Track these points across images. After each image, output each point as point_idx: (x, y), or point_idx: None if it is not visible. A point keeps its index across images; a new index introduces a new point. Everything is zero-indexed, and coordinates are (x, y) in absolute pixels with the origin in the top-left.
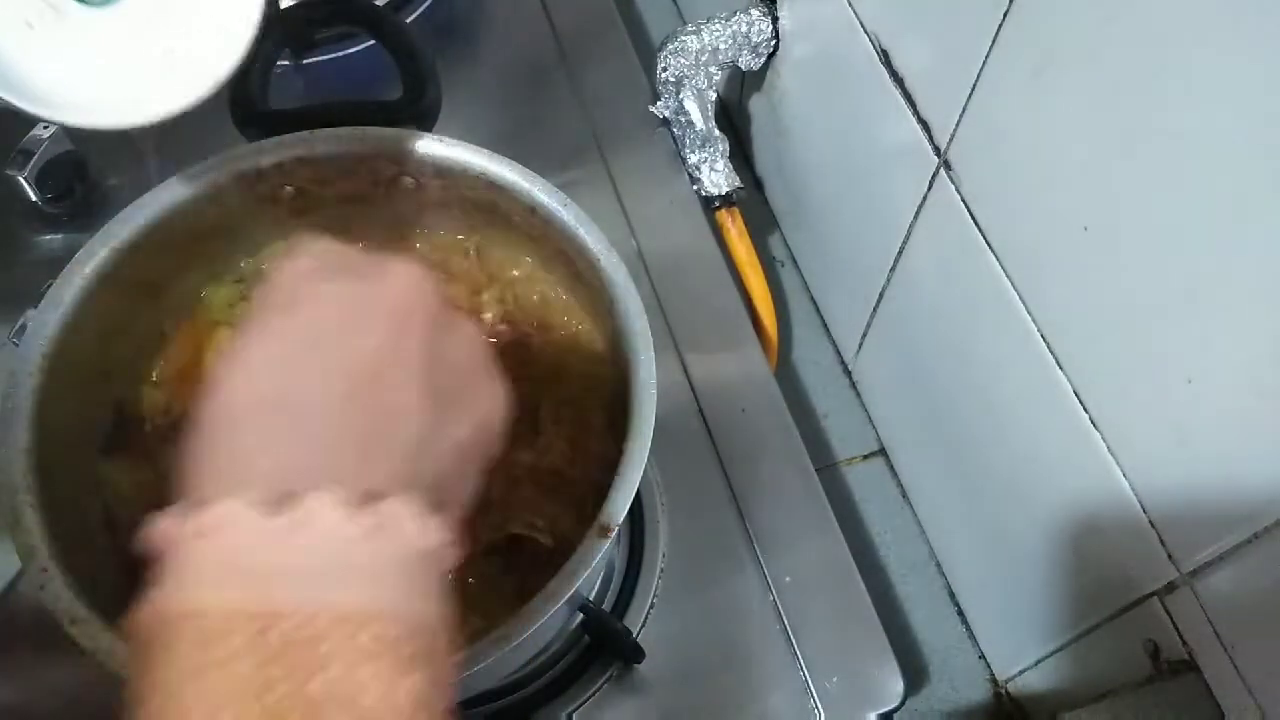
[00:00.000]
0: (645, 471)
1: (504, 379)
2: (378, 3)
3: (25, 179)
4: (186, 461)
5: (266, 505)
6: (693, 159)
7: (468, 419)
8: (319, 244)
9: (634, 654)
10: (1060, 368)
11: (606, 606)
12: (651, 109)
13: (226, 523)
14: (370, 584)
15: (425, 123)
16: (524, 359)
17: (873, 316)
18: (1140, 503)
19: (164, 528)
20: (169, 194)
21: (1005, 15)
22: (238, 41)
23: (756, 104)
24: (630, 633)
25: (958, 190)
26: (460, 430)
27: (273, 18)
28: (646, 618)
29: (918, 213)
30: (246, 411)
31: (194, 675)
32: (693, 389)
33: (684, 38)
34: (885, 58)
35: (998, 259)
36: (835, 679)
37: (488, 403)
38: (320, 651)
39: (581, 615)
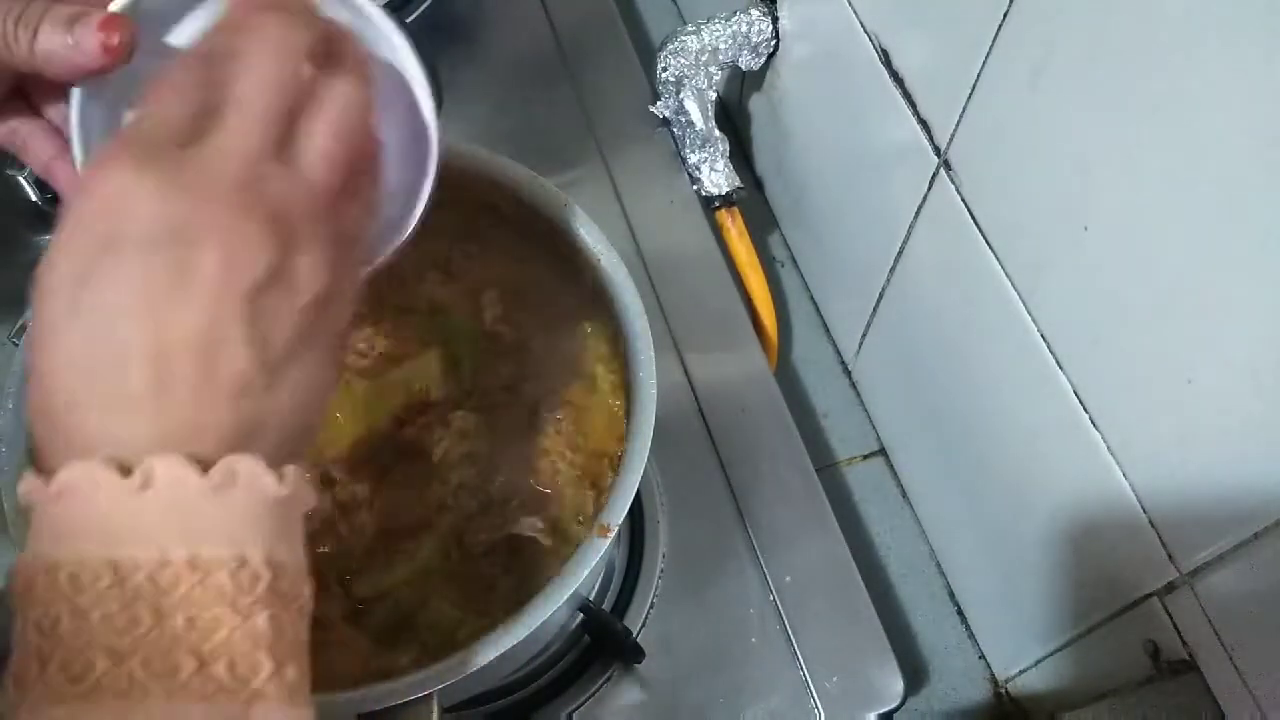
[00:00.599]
0: (645, 471)
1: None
2: (378, 3)
3: (25, 179)
4: (37, 417)
5: (119, 465)
6: (693, 159)
7: (308, 359)
8: (121, 168)
9: (634, 654)
10: (1060, 368)
11: (606, 606)
12: (651, 109)
13: (82, 484)
14: (220, 533)
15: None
16: (524, 359)
17: (873, 316)
18: (1140, 503)
19: (27, 489)
20: None
21: (1005, 15)
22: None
23: (756, 104)
24: (630, 633)
25: (958, 190)
26: (303, 375)
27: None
28: (646, 618)
29: (918, 213)
30: (80, 368)
31: (58, 621)
32: (693, 389)
33: (684, 38)
34: (885, 58)
35: (998, 259)
36: (835, 679)
37: (328, 333)
38: (175, 595)
39: (581, 615)
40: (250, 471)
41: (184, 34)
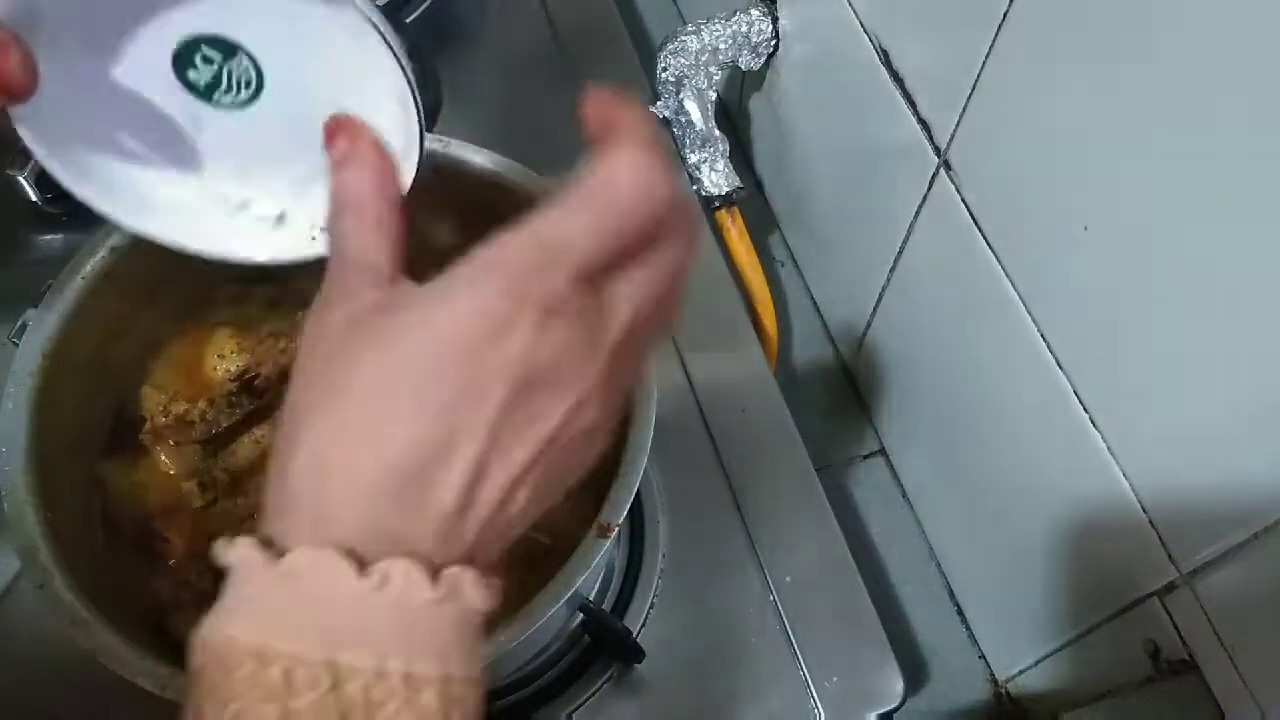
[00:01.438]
0: (645, 471)
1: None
2: (378, 3)
3: (25, 179)
4: (278, 482)
5: (355, 561)
6: (693, 159)
7: (558, 488)
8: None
9: (634, 654)
10: (1060, 368)
11: (606, 606)
12: (651, 109)
13: (315, 571)
14: (434, 646)
15: (425, 123)
16: None
17: (873, 316)
18: (1140, 503)
19: (245, 554)
20: None
21: (1005, 15)
22: None
23: (756, 104)
24: (630, 633)
25: (958, 190)
26: (544, 503)
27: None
28: (646, 618)
29: (918, 213)
30: (356, 456)
31: (264, 715)
32: (693, 389)
33: (684, 38)
34: (885, 58)
35: (998, 259)
36: (835, 679)
37: (583, 466)
38: (387, 710)
39: (581, 615)
40: (469, 585)
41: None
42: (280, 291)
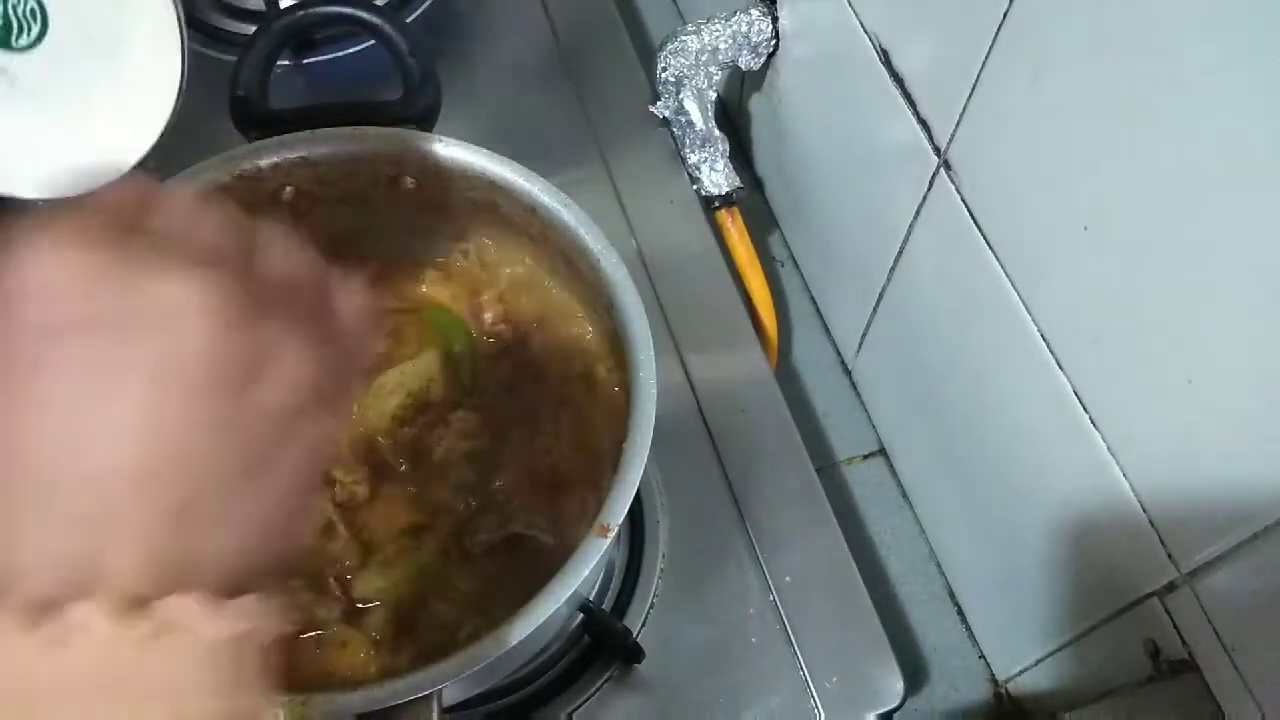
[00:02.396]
0: (645, 471)
1: (337, 399)
2: (378, 3)
3: None
4: None
5: (27, 615)
6: (693, 159)
7: (279, 472)
8: (62, 247)
9: (634, 654)
10: (1060, 368)
11: (606, 606)
12: (651, 109)
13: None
14: (148, 694)
15: (425, 123)
16: (524, 359)
17: (873, 316)
18: (1140, 503)
19: None
20: None
21: (1005, 15)
22: (148, 129)
23: (756, 104)
24: (630, 633)
25: (958, 190)
26: (268, 491)
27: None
28: (646, 618)
29: (918, 213)
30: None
31: None
32: (693, 389)
33: (684, 38)
34: (885, 58)
35: (998, 259)
36: (835, 679)
37: (302, 449)
38: None
39: (581, 615)
40: (183, 614)
41: None
42: None
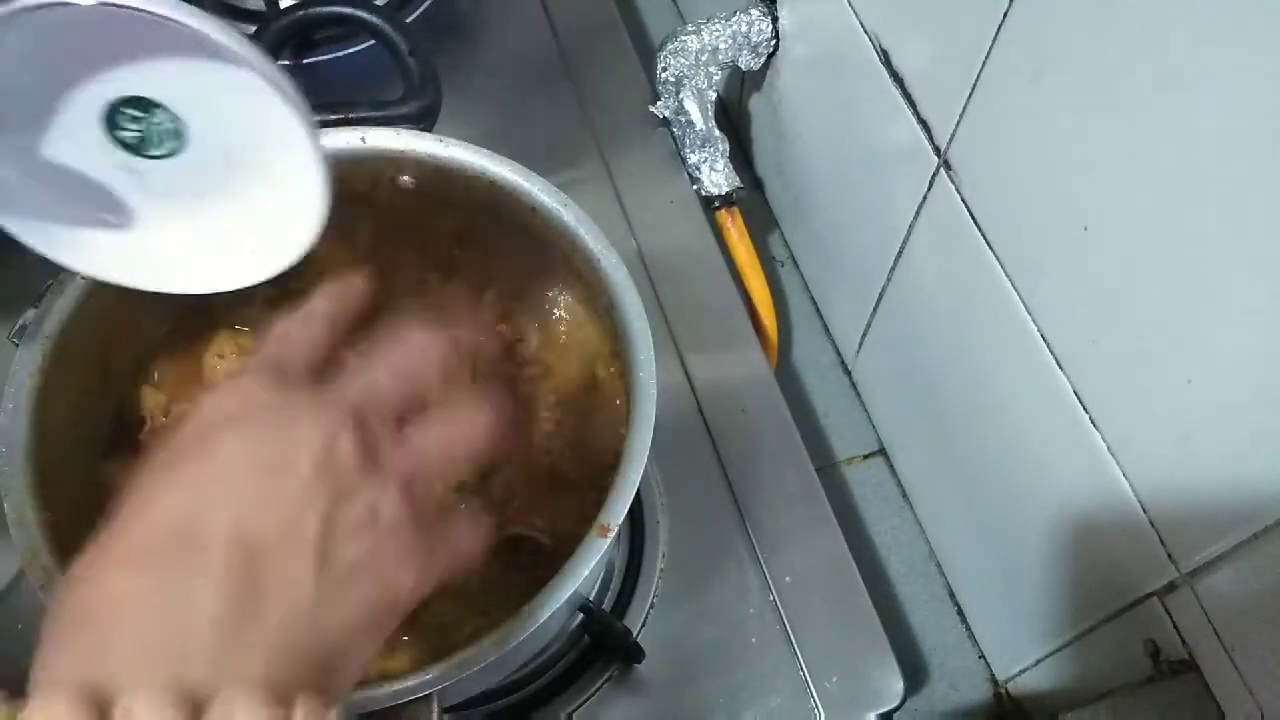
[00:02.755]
0: (645, 471)
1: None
2: (378, 3)
3: None
4: (58, 611)
5: (86, 706)
6: (693, 159)
7: (367, 592)
8: (238, 383)
9: (634, 654)
10: (1060, 368)
11: (606, 606)
12: (651, 109)
13: None
14: None
15: (425, 123)
16: (523, 359)
17: (873, 316)
18: (1140, 503)
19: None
20: None
21: (1005, 15)
22: (297, 240)
23: (756, 104)
24: (630, 633)
25: (958, 190)
26: (352, 608)
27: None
28: (646, 618)
29: (918, 213)
30: (120, 572)
31: None
32: (693, 389)
33: (684, 38)
34: (885, 58)
35: (998, 259)
36: (835, 679)
37: (401, 571)
38: None
39: (581, 615)
40: (248, 713)
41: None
42: (280, 292)
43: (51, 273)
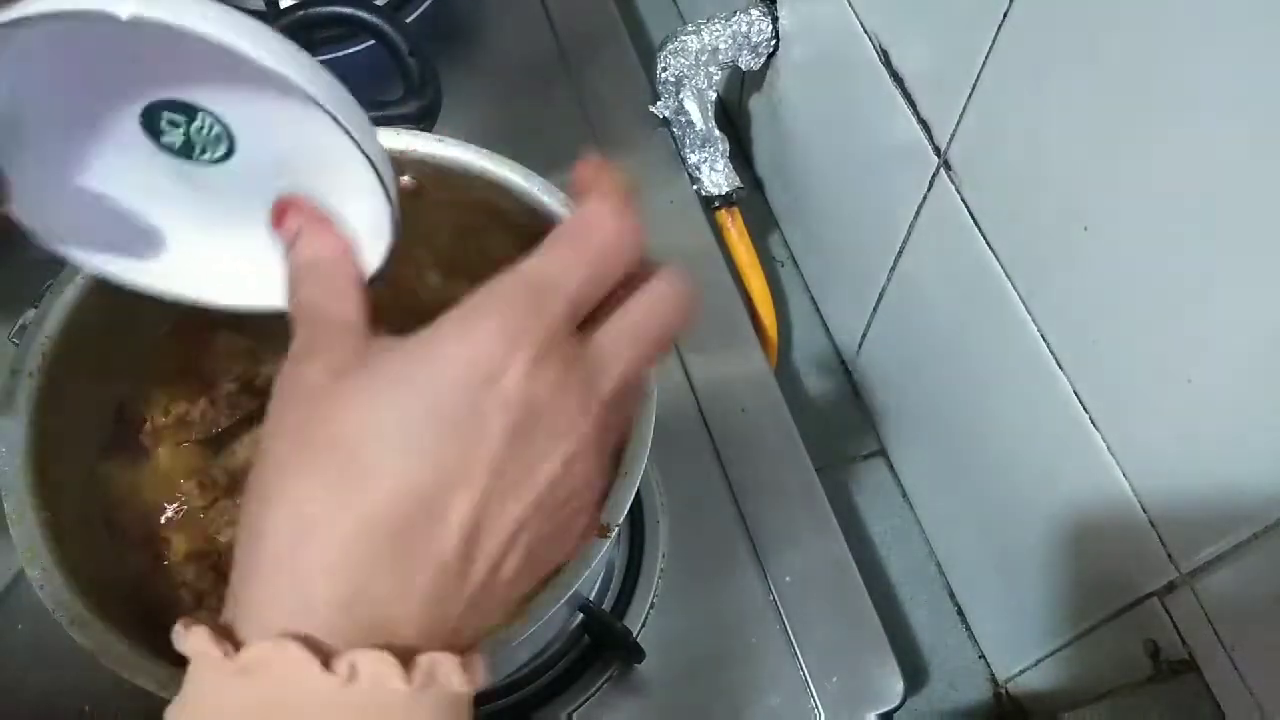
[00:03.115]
0: (645, 471)
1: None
2: (378, 3)
3: None
4: (252, 545)
5: (319, 654)
6: (693, 159)
7: (543, 566)
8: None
9: (634, 654)
10: (1060, 368)
11: (606, 606)
12: (651, 109)
13: (274, 667)
14: None
15: (425, 123)
16: None
17: (873, 316)
18: (1140, 503)
19: (200, 647)
20: None
21: (1005, 15)
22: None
23: (756, 104)
24: (630, 633)
25: (958, 190)
26: (530, 577)
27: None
28: (646, 618)
29: (918, 213)
30: (340, 511)
31: None
32: (693, 389)
33: (684, 38)
34: (885, 58)
35: (998, 259)
36: (835, 679)
37: (573, 537)
38: None
39: (581, 615)
40: (448, 671)
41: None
42: None
43: (52, 273)
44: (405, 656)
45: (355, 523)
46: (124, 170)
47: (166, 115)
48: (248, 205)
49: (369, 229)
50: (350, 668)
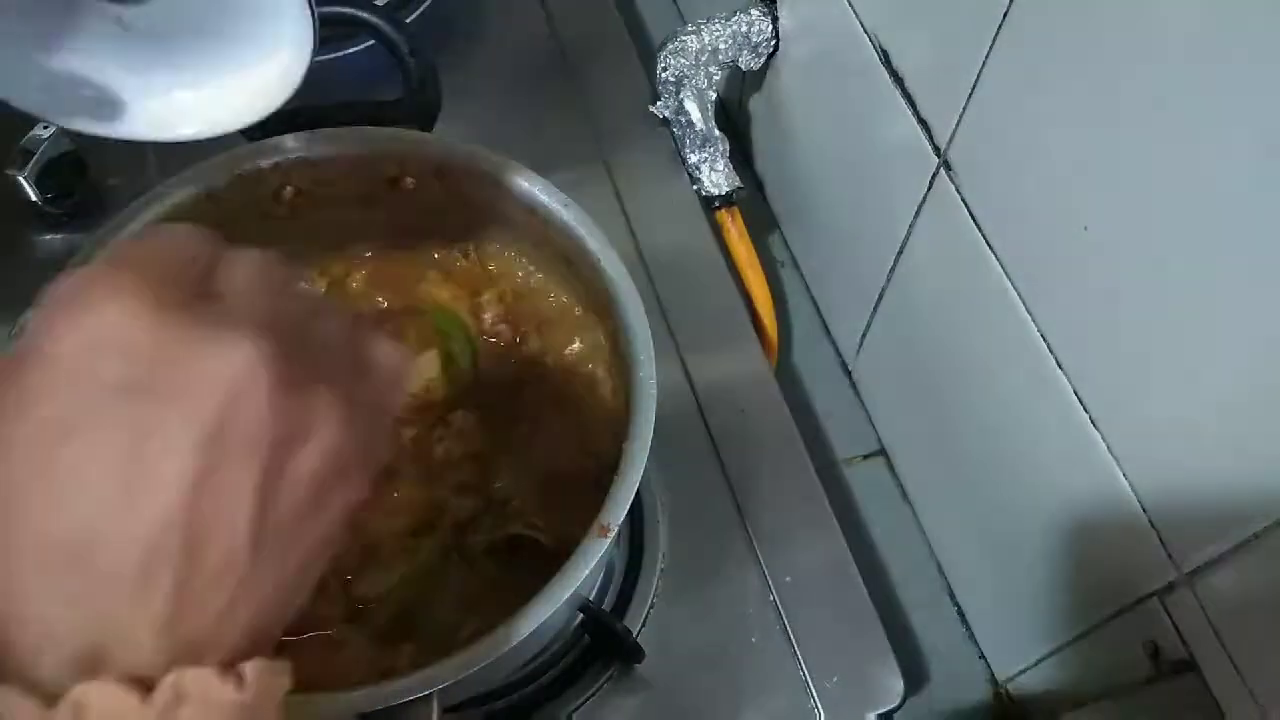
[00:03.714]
0: (645, 471)
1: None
2: (378, 3)
3: (25, 179)
4: None
5: (44, 694)
6: (693, 159)
7: (305, 540)
8: (118, 300)
9: (634, 654)
10: (1060, 367)
11: (606, 606)
12: (651, 109)
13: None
14: None
15: (425, 123)
16: (524, 359)
17: (873, 316)
18: (1140, 503)
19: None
20: (169, 194)
21: (1005, 15)
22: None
23: (756, 104)
24: (630, 633)
25: (958, 190)
26: (292, 558)
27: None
28: (646, 618)
29: (918, 212)
30: (29, 552)
31: None
32: (693, 389)
33: (684, 38)
34: (885, 58)
35: (998, 259)
36: (835, 679)
37: (332, 516)
38: None
39: (581, 615)
40: (201, 685)
41: None
42: None
43: (52, 273)
44: (145, 682)
45: (45, 538)
46: (75, 34)
47: None
48: (175, 39)
49: (291, 36)
50: (75, 708)
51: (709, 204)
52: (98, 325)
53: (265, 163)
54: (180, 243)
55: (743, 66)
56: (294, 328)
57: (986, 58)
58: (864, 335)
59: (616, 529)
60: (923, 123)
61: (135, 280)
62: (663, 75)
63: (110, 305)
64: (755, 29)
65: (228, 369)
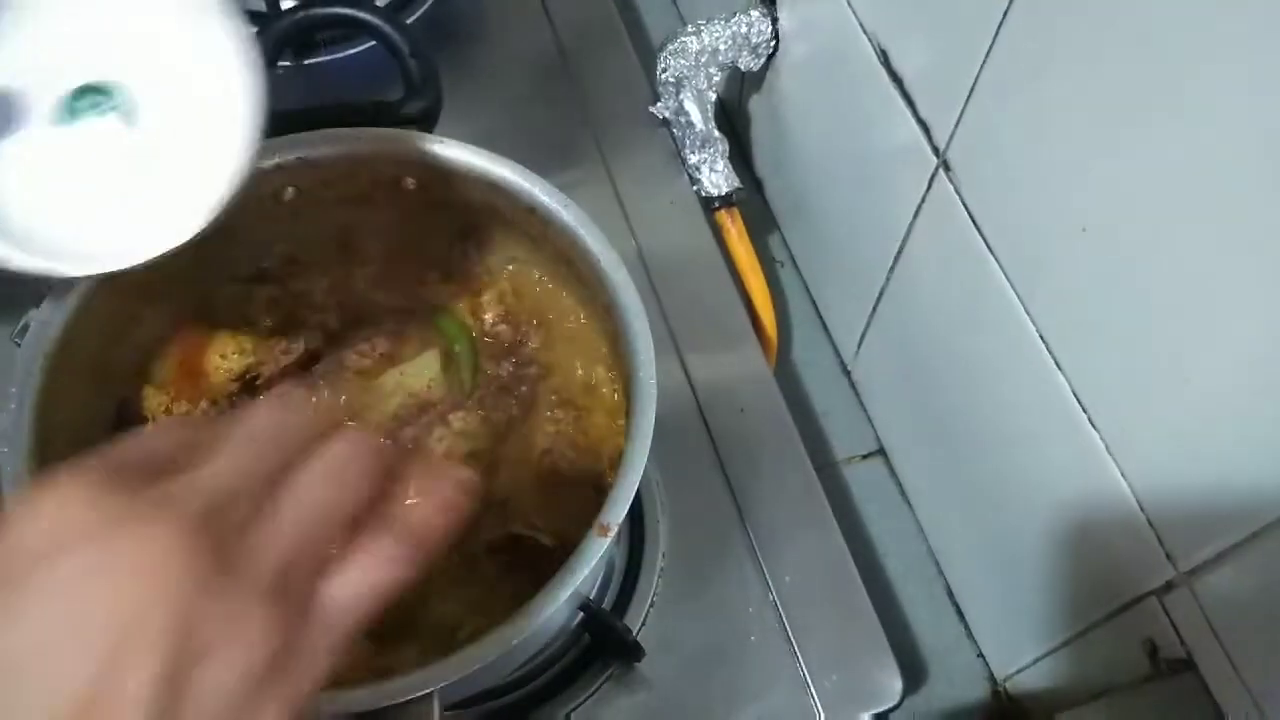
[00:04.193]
0: (645, 471)
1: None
2: (378, 4)
3: None
4: None
5: None
6: (693, 159)
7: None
8: (58, 484)
9: (634, 653)
10: (1059, 368)
11: (606, 606)
12: (651, 109)
13: None
14: None
15: (425, 123)
16: (523, 359)
17: (872, 316)
18: (1139, 502)
19: None
20: None
21: (1005, 15)
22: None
23: (756, 104)
24: (630, 632)
25: (957, 190)
26: None
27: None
28: (646, 617)
29: (917, 213)
30: None
31: None
32: (693, 389)
33: (684, 38)
34: (885, 58)
35: (997, 259)
36: (835, 678)
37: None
38: None
39: (581, 615)
40: None
41: None
42: (281, 291)
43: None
44: None
45: None
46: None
47: (86, 98)
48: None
49: (239, 111)
50: None
51: (709, 204)
52: (43, 499)
53: (266, 163)
54: (166, 435)
55: (742, 67)
56: (246, 521)
57: (986, 59)
58: (863, 335)
59: (616, 528)
60: (922, 124)
61: (96, 464)
62: (663, 76)
63: (62, 484)
64: (755, 30)
65: (144, 558)
